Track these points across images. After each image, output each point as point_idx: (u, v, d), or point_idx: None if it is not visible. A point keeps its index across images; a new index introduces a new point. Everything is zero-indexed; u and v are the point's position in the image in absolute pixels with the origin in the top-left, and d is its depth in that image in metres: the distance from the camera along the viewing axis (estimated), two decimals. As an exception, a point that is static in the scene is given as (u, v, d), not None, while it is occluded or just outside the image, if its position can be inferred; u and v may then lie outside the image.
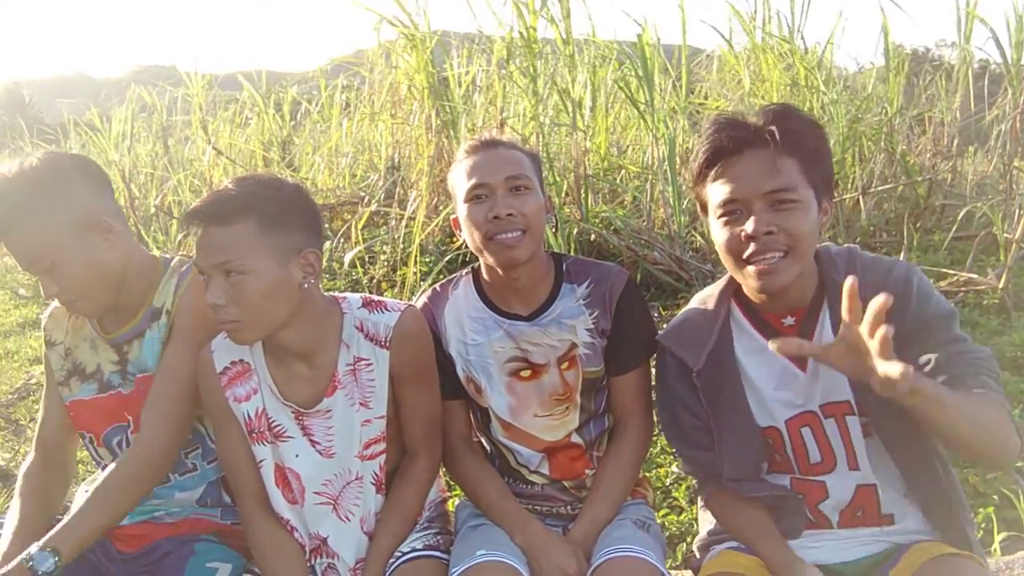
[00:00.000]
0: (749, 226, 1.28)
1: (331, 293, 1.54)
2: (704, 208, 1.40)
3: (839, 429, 1.37)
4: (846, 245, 1.42)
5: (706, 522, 1.58)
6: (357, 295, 1.54)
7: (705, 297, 1.50)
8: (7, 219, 1.41)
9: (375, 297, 1.54)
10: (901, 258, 3.28)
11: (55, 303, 1.63)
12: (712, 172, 1.35)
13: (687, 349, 1.44)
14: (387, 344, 1.48)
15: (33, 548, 1.37)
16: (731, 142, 1.32)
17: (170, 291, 1.56)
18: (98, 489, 1.46)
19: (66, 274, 1.45)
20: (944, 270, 3.33)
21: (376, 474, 1.52)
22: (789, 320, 1.39)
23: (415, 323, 1.52)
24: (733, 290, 1.46)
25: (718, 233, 1.35)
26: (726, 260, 1.36)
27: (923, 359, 1.27)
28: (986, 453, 1.23)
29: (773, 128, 1.30)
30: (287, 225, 1.37)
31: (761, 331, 1.41)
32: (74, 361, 1.60)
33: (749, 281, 1.34)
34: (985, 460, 1.29)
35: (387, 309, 1.50)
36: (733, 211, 1.32)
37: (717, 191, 1.34)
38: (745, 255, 1.30)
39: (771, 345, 1.18)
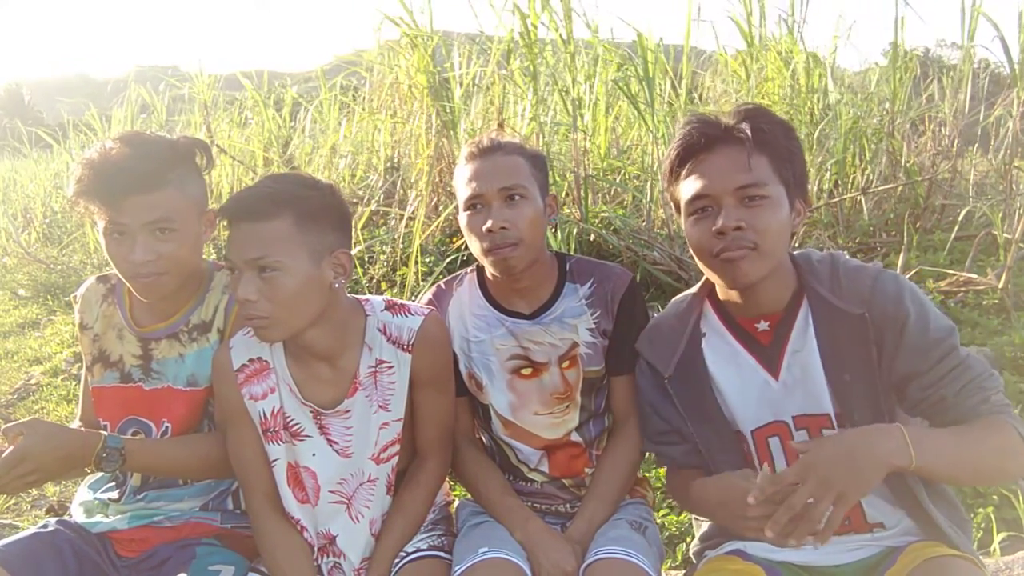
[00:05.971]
0: (719, 221, 1.28)
1: (353, 295, 1.54)
2: (679, 208, 1.40)
3: None
4: (829, 251, 1.40)
5: (700, 527, 1.56)
6: (380, 298, 1.54)
7: (680, 300, 1.50)
8: (170, 174, 1.45)
9: (398, 300, 1.54)
10: (901, 258, 3.31)
11: (84, 287, 1.65)
12: (684, 169, 1.35)
13: (658, 355, 1.44)
14: (410, 348, 1.48)
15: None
16: (703, 138, 1.32)
17: (215, 306, 1.57)
18: (187, 436, 1.55)
19: (174, 242, 1.46)
20: (944, 270, 3.33)
21: (388, 476, 1.52)
22: (763, 325, 1.38)
23: (438, 328, 1.52)
24: (707, 293, 1.46)
25: (689, 230, 1.35)
26: (698, 257, 1.36)
27: (925, 394, 1.26)
28: (994, 482, 1.24)
29: (744, 126, 1.30)
30: (322, 224, 1.37)
31: (735, 335, 1.40)
32: (100, 348, 1.61)
33: (718, 275, 1.34)
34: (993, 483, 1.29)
35: (410, 313, 1.50)
36: (704, 207, 1.32)
37: (688, 187, 1.34)
38: (715, 251, 1.30)
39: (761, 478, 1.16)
